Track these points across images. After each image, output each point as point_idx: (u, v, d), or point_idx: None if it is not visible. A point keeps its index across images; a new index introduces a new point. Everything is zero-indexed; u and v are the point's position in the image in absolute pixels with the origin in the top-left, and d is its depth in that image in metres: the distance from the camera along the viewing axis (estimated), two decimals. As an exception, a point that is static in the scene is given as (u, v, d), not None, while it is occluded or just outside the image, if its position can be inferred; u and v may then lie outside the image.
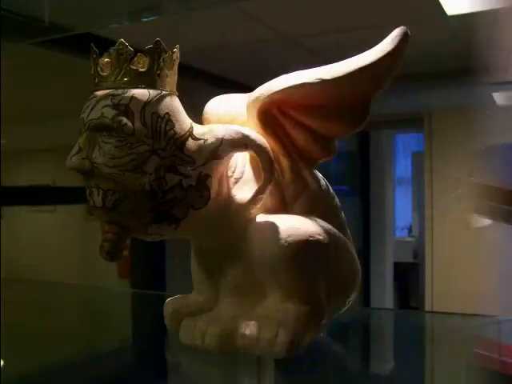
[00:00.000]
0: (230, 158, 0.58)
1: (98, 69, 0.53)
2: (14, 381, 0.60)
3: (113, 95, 0.51)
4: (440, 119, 2.64)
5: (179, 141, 0.53)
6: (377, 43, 0.56)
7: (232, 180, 0.58)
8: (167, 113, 0.53)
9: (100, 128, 0.51)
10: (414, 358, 0.66)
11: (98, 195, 0.52)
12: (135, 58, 0.53)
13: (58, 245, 3.77)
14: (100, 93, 0.52)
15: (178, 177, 0.52)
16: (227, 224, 0.57)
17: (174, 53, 0.55)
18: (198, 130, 0.55)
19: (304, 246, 0.55)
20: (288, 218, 0.57)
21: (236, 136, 0.56)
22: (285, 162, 0.60)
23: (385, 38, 0.56)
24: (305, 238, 0.55)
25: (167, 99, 0.53)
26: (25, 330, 0.80)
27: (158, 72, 0.53)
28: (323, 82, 0.55)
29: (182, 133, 0.53)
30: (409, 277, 4.19)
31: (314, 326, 0.57)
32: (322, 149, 0.61)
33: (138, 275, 2.43)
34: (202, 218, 0.55)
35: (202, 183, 0.54)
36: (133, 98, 0.51)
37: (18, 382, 0.61)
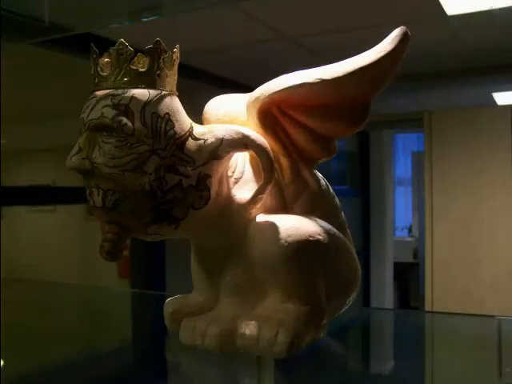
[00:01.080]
0: (230, 158, 0.58)
1: (98, 69, 0.53)
2: (14, 381, 0.60)
3: (113, 95, 0.51)
4: (440, 119, 2.64)
5: (179, 141, 0.53)
6: (377, 43, 0.56)
7: (232, 180, 0.58)
8: (167, 113, 0.53)
9: (100, 128, 0.51)
10: (414, 358, 0.66)
11: (98, 195, 0.52)
12: (135, 58, 0.53)
13: (58, 245, 3.77)
14: (100, 93, 0.52)
15: (177, 177, 0.52)
16: (227, 224, 0.57)
17: (174, 53, 0.55)
18: (197, 130, 0.55)
19: (304, 246, 0.55)
20: (288, 218, 0.57)
21: (236, 136, 0.56)
22: (285, 162, 0.60)
23: (385, 38, 0.56)
24: (305, 237, 0.55)
25: (167, 99, 0.53)
26: (25, 329, 0.80)
27: (158, 72, 0.53)
28: (323, 81, 0.55)
29: (182, 133, 0.53)
30: (409, 277, 4.20)
31: (314, 326, 0.57)
32: (322, 149, 0.61)
33: (138, 275, 2.43)
34: (201, 218, 0.55)
35: (202, 183, 0.54)
36: (133, 98, 0.51)
37: (17, 382, 0.61)
